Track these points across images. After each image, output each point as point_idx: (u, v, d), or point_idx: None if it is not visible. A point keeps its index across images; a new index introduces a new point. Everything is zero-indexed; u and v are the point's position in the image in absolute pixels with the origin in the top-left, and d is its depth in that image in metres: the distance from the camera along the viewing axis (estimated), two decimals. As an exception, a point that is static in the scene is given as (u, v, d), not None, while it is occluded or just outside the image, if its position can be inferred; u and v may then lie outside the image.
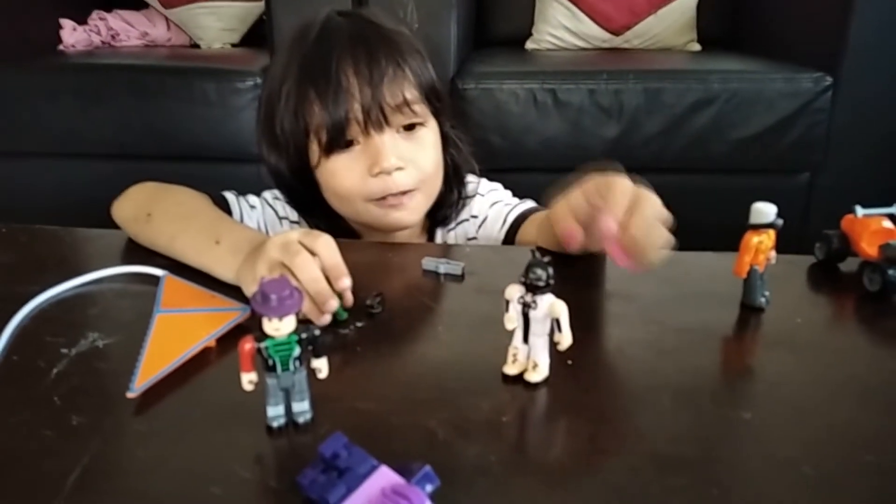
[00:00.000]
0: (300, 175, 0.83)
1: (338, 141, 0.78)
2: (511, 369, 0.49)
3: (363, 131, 0.77)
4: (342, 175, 0.79)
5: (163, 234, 0.71)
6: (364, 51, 0.77)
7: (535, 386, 0.48)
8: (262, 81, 0.85)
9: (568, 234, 0.61)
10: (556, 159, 1.52)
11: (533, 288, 0.46)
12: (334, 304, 0.55)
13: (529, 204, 0.91)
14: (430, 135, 0.82)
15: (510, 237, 0.87)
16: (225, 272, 0.63)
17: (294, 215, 0.89)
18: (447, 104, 0.86)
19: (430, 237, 0.92)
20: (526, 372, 0.49)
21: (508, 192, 0.96)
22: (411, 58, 0.80)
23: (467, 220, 0.92)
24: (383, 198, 0.79)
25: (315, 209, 0.86)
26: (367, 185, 0.79)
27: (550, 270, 0.46)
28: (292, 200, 0.88)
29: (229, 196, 0.87)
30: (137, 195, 0.78)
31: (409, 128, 0.80)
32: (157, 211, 0.73)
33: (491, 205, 0.92)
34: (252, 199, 0.89)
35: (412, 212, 0.82)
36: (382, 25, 0.81)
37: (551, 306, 0.46)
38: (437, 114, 0.83)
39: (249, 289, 0.58)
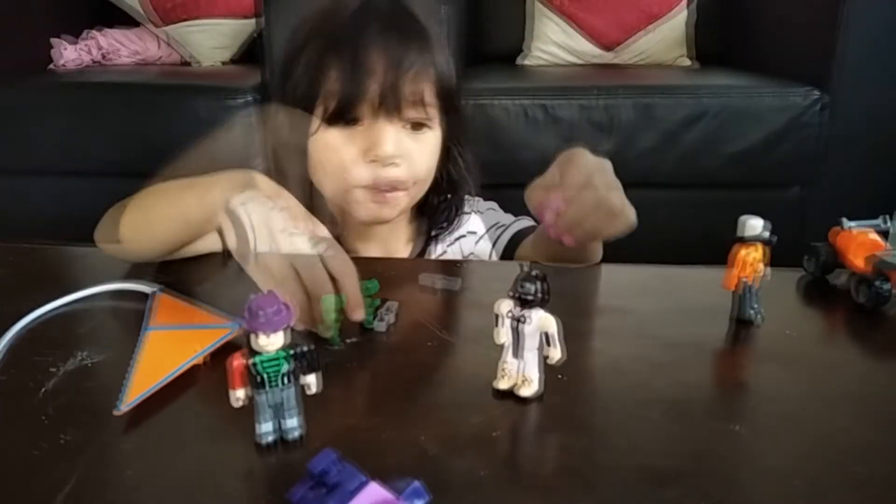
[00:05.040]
0: None
1: (343, 114, 0.76)
2: (501, 384, 0.49)
3: (373, 113, 0.76)
4: (337, 151, 0.78)
5: (139, 209, 0.70)
6: (397, 38, 0.76)
7: (527, 400, 0.48)
8: (286, 43, 0.83)
9: (540, 209, 0.64)
10: (549, 174, 1.53)
11: (523, 302, 0.46)
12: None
13: (525, 223, 0.90)
14: (432, 139, 0.81)
15: (507, 258, 0.87)
16: (211, 200, 0.62)
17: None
18: (459, 117, 0.85)
19: (424, 250, 0.91)
20: (517, 387, 0.49)
21: (509, 216, 0.95)
22: (439, 60, 0.79)
23: (465, 236, 0.92)
24: (368, 187, 0.78)
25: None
26: (357, 169, 0.77)
27: (540, 284, 0.46)
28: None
29: None
30: (109, 213, 0.77)
31: (416, 127, 0.79)
32: (130, 204, 0.72)
33: (489, 227, 0.92)
34: None
35: (393, 209, 0.81)
36: (419, 21, 0.80)
37: (542, 321, 0.46)
38: (446, 123, 0.82)
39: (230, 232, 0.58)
